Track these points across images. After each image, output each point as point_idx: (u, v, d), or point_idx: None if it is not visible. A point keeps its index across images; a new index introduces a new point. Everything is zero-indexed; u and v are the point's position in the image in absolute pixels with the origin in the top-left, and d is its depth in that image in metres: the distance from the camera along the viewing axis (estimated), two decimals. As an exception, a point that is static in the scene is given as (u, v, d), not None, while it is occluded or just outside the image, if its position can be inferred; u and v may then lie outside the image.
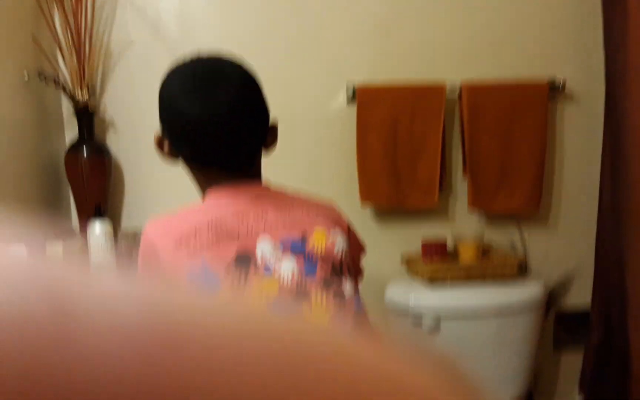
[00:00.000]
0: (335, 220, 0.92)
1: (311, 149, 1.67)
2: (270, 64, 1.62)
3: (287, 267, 0.81)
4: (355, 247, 0.99)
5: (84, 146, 1.45)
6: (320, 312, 0.79)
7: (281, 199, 0.89)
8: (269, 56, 1.62)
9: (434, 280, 1.59)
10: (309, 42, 1.64)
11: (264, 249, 0.81)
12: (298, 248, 0.83)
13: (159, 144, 0.90)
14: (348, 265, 0.89)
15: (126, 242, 1.62)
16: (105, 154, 1.49)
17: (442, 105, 1.61)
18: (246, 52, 1.59)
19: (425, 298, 1.56)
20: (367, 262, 1.76)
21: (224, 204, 0.85)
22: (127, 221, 1.66)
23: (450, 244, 1.69)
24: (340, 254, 0.87)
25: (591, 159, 1.73)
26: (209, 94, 0.82)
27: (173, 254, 0.79)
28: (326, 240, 0.86)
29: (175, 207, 1.62)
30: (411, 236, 1.72)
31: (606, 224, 1.69)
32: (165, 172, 1.64)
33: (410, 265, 1.67)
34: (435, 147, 1.61)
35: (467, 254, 1.64)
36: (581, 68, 1.72)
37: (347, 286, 0.85)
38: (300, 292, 0.80)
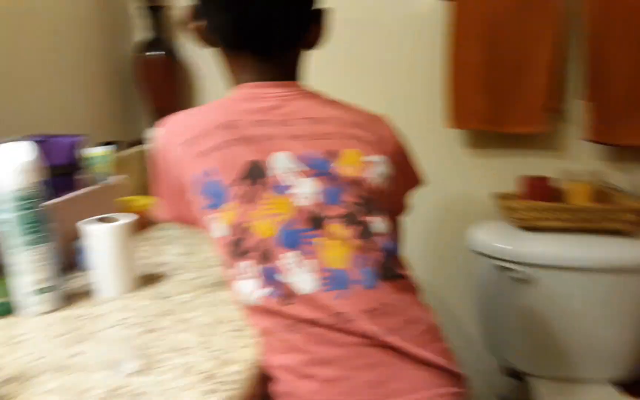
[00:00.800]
0: (380, 140, 0.74)
1: (386, 55, 1.44)
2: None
3: (305, 189, 0.67)
4: (406, 177, 0.81)
5: (154, 46, 1.40)
6: (335, 248, 0.65)
7: (315, 106, 0.74)
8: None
9: (532, 224, 1.35)
10: None
11: (281, 162, 0.68)
12: (322, 168, 0.68)
13: (195, 28, 0.79)
14: (387, 197, 0.72)
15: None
16: (175, 55, 1.43)
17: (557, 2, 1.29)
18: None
19: (520, 244, 1.33)
20: (451, 197, 1.57)
21: (247, 104, 0.73)
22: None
23: (556, 182, 1.41)
24: (375, 182, 0.71)
25: None
26: None
27: (181, 155, 0.70)
28: (359, 164, 0.70)
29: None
30: (507, 170, 1.46)
31: None
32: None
33: (503, 204, 1.43)
34: (546, 58, 1.30)
35: (577, 196, 1.36)
36: None
37: (379, 223, 0.69)
38: (315, 220, 0.66)
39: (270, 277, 0.63)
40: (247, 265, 0.64)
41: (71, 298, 0.80)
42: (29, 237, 0.73)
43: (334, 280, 0.63)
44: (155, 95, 1.45)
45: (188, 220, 0.74)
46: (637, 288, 1.31)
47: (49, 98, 1.16)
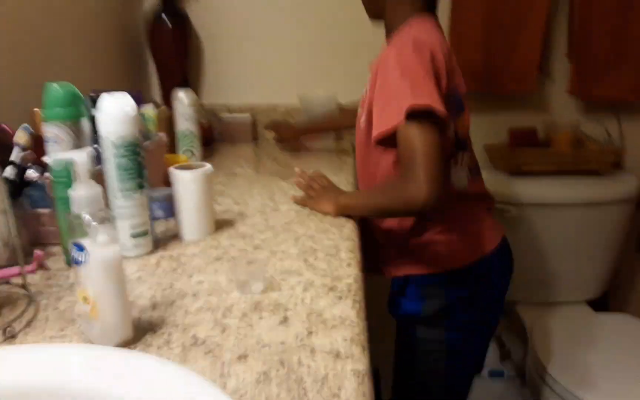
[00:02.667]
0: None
1: None
2: None
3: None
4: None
5: (166, 14, 1.42)
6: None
7: None
8: None
9: (520, 169, 1.51)
10: None
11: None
12: None
13: None
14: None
15: (207, 118, 1.63)
16: (186, 20, 1.46)
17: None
18: None
19: (508, 187, 1.50)
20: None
21: (440, 34, 0.95)
22: (205, 97, 1.65)
23: (541, 132, 1.58)
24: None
25: None
26: None
27: (444, 61, 0.88)
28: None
29: (255, 86, 1.61)
30: (498, 124, 1.62)
31: None
32: (246, 45, 1.61)
33: (492, 153, 1.58)
34: (539, 23, 1.46)
35: (559, 144, 1.53)
36: None
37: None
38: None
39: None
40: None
41: (158, 242, 0.85)
42: (129, 184, 0.78)
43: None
44: (165, 58, 1.47)
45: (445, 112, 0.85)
46: (606, 220, 1.51)
47: (60, 56, 1.17)
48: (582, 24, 1.46)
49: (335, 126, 1.45)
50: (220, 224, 0.93)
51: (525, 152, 1.51)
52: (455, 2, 1.46)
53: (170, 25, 1.43)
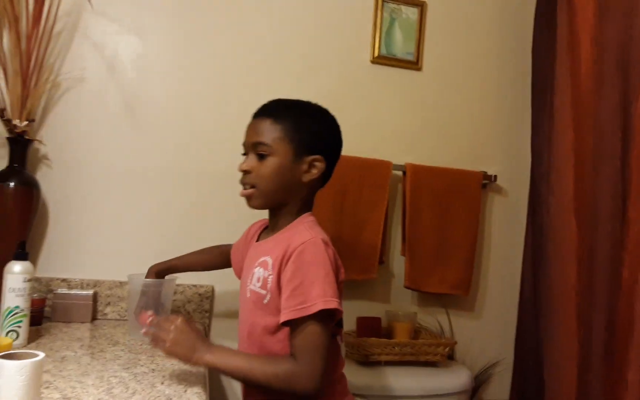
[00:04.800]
0: None
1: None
2: (225, 119, 1.62)
3: None
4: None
5: (14, 175, 1.33)
6: None
7: None
8: (223, 112, 1.63)
9: (368, 359, 1.57)
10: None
11: None
12: None
13: (310, 166, 1.08)
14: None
15: (39, 292, 1.46)
16: (34, 187, 1.37)
17: (388, 178, 1.68)
18: (201, 107, 1.60)
19: (360, 377, 1.53)
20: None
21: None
22: (42, 269, 1.50)
23: (385, 322, 1.69)
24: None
25: (516, 251, 1.86)
26: None
27: (336, 263, 1.03)
28: None
29: (101, 260, 1.51)
30: (347, 311, 1.70)
31: (526, 317, 1.78)
32: (94, 215, 1.54)
33: (346, 342, 1.64)
34: (380, 219, 1.66)
35: (400, 334, 1.64)
36: (510, 166, 1.89)
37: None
38: None
39: None
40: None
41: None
42: None
43: None
44: (9, 223, 1.34)
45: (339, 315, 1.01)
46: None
47: None
48: (412, 228, 1.70)
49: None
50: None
51: (372, 342, 1.58)
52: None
53: (15, 187, 1.32)
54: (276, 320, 1.01)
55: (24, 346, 1.16)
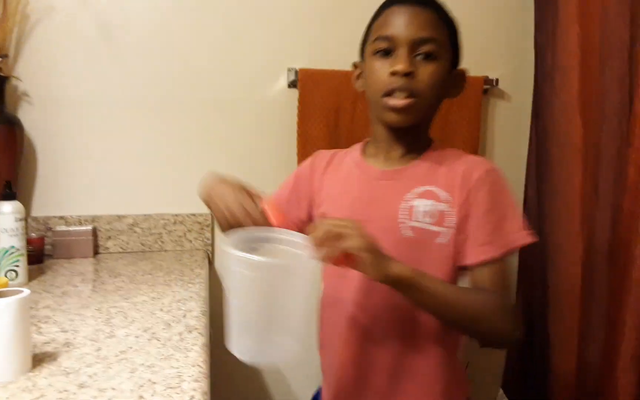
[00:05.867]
0: None
1: (250, 133, 1.60)
2: (209, 45, 1.55)
3: None
4: None
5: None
6: None
7: None
8: (207, 36, 1.55)
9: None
10: (250, 26, 1.58)
11: None
12: None
13: (459, 79, 0.94)
14: None
15: (37, 231, 1.46)
16: (16, 126, 1.33)
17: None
18: (184, 31, 1.52)
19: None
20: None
21: None
22: (37, 208, 1.49)
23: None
24: None
25: (520, 158, 1.81)
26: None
27: None
28: None
29: (98, 196, 1.50)
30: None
31: (530, 220, 1.75)
32: (83, 151, 1.51)
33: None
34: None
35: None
36: (513, 69, 1.80)
37: None
38: None
39: None
40: None
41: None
42: None
43: None
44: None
45: None
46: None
47: None
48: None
49: None
50: (40, 359, 0.79)
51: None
52: (301, 115, 1.55)
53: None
54: (449, 266, 0.85)
55: (25, 284, 1.17)
